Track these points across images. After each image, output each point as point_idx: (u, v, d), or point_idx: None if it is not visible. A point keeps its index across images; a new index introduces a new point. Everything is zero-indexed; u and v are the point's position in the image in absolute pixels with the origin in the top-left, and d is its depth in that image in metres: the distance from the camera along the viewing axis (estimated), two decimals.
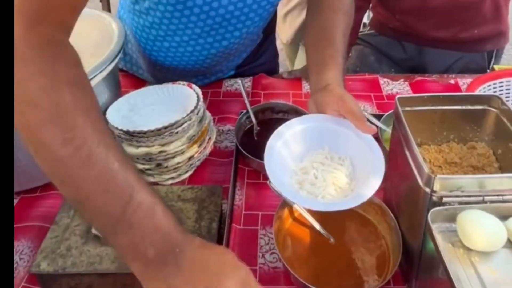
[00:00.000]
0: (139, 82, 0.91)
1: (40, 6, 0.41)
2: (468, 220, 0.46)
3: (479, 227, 0.45)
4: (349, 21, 0.73)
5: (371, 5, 1.12)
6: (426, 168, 0.48)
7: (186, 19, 0.74)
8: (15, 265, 0.58)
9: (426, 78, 0.96)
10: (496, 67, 0.93)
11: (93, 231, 0.55)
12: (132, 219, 0.40)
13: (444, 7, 0.97)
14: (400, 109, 0.57)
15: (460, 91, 0.92)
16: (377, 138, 0.78)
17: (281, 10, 1.42)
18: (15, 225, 0.62)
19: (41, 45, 0.41)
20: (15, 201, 0.66)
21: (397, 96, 0.58)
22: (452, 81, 0.95)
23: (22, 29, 0.40)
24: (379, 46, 1.12)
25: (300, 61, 1.47)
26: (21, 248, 0.59)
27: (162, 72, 0.85)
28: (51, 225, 0.57)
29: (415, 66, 1.07)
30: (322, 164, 0.58)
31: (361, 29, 1.14)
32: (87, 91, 0.43)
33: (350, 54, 1.12)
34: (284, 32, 1.46)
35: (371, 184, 0.53)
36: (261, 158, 0.68)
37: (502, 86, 0.82)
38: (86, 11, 0.83)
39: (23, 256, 0.59)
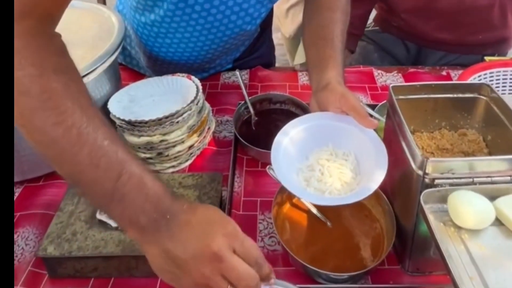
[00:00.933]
0: (138, 76, 0.92)
1: (28, 0, 0.43)
2: (459, 200, 0.49)
3: (469, 206, 0.48)
4: (346, 19, 0.74)
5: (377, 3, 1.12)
6: (419, 152, 0.50)
7: (188, 16, 0.75)
8: (21, 251, 0.59)
9: (419, 70, 0.98)
10: (487, 58, 0.95)
11: (98, 216, 0.57)
12: (124, 191, 0.42)
13: (450, 10, 0.96)
14: (394, 98, 0.59)
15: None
16: None
17: (283, 5, 1.42)
18: (20, 213, 0.64)
19: (28, 36, 0.43)
20: (19, 190, 0.68)
21: (391, 85, 0.60)
22: (444, 73, 0.97)
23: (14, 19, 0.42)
24: (382, 44, 1.12)
25: (301, 56, 1.48)
26: (26, 234, 0.61)
27: (163, 67, 0.87)
28: (56, 212, 0.59)
29: (415, 63, 1.08)
30: (327, 160, 0.60)
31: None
32: (75, 78, 0.45)
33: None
34: (286, 27, 1.47)
35: (375, 178, 0.55)
36: (259, 146, 0.70)
37: (492, 77, 0.84)
38: (85, 5, 0.85)
39: (29, 242, 0.60)
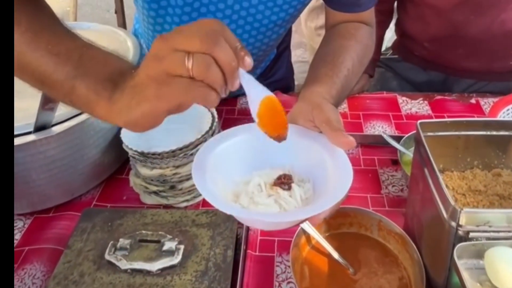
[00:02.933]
0: None
1: None
2: (497, 257, 0.44)
3: (509, 266, 0.43)
4: (362, 49, 0.66)
5: (394, 27, 1.08)
6: (451, 200, 0.46)
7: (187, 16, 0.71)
8: None
9: (446, 97, 0.93)
10: None
11: (106, 257, 0.54)
12: (88, 66, 0.42)
13: (477, 37, 0.90)
14: (422, 135, 0.55)
15: (482, 111, 0.89)
16: (396, 161, 0.76)
17: (311, 23, 1.39)
18: (28, 247, 0.62)
19: None
20: (29, 221, 0.66)
21: (418, 121, 0.56)
22: (473, 101, 0.92)
23: None
24: (402, 72, 1.07)
25: None
26: (33, 271, 0.59)
27: None
28: (64, 249, 0.56)
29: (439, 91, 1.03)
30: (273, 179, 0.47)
31: (383, 49, 1.10)
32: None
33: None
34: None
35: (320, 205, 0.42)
36: None
37: None
38: (101, 27, 0.84)
39: (36, 281, 0.58)
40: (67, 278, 0.53)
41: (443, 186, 0.48)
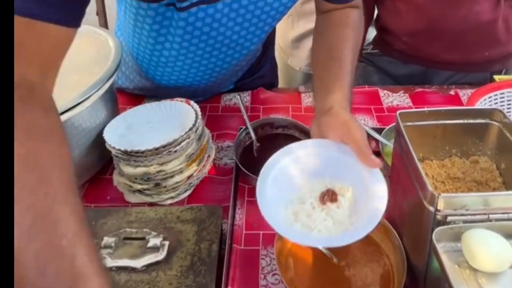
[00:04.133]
0: (136, 99, 0.90)
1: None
2: (474, 239, 0.45)
3: (485, 247, 0.44)
4: (358, 36, 0.71)
5: (374, 23, 1.09)
6: (429, 186, 0.47)
7: (187, 43, 0.73)
8: None
9: (426, 90, 0.95)
10: (496, 77, 0.92)
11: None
12: None
13: (453, 29, 0.93)
14: (401, 124, 0.56)
15: (461, 102, 0.91)
16: (378, 152, 0.77)
17: (288, 33, 1.26)
18: None
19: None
20: None
21: (398, 112, 0.57)
22: (452, 92, 0.94)
23: None
24: (383, 66, 1.09)
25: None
26: None
27: (165, 92, 0.84)
28: None
29: (419, 84, 1.05)
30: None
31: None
32: (50, 142, 0.38)
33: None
34: (297, 59, 1.27)
35: (370, 221, 0.49)
36: None
37: (503, 98, 0.81)
38: (83, 28, 0.83)
39: None
40: None
41: (422, 173, 0.49)
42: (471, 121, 0.60)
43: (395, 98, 0.92)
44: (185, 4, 0.65)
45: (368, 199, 0.51)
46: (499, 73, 1.00)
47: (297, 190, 0.55)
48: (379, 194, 0.51)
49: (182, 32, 0.70)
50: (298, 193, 0.54)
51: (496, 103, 0.80)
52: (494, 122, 0.59)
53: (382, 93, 0.94)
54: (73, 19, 0.48)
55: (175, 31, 0.70)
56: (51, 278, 0.32)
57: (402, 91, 0.94)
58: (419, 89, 0.95)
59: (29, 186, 0.34)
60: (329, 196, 0.53)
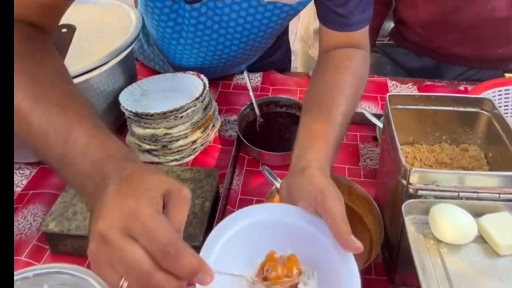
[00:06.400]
0: (155, 73, 0.96)
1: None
2: (440, 213, 0.48)
3: (449, 220, 0.47)
4: (358, 82, 0.64)
5: (393, 16, 1.10)
6: (403, 160, 0.50)
7: (195, 34, 0.77)
8: (28, 225, 0.64)
9: (435, 84, 0.96)
10: (507, 75, 0.92)
11: None
12: (71, 156, 0.40)
13: (467, 23, 0.93)
14: (389, 107, 0.59)
15: None
16: (375, 138, 0.80)
17: (310, 25, 1.29)
18: (32, 191, 0.69)
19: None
20: (35, 170, 0.73)
21: (388, 94, 0.60)
22: (461, 88, 0.95)
23: None
24: (396, 57, 1.10)
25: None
26: (35, 211, 0.66)
27: (181, 70, 0.90)
28: (62, 192, 0.63)
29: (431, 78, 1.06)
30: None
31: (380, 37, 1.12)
32: (45, 54, 0.50)
33: None
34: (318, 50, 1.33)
35: None
36: (261, 148, 0.72)
37: (508, 94, 0.81)
38: (107, 1, 0.90)
39: (37, 218, 0.65)
40: (62, 215, 0.59)
41: (399, 149, 0.52)
42: (461, 109, 0.62)
43: (402, 89, 0.94)
44: None
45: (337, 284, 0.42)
46: None
47: (250, 265, 0.44)
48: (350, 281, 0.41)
49: (189, 23, 0.74)
50: (251, 269, 0.44)
51: (500, 98, 0.81)
52: (484, 112, 0.61)
53: (391, 83, 0.96)
54: None
55: (183, 21, 0.75)
56: (51, 136, 0.42)
57: (411, 83, 0.96)
58: (428, 83, 0.96)
59: (29, 70, 0.46)
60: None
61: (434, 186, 0.50)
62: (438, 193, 0.50)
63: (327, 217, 0.44)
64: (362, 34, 0.70)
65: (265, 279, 0.42)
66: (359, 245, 0.42)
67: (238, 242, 0.44)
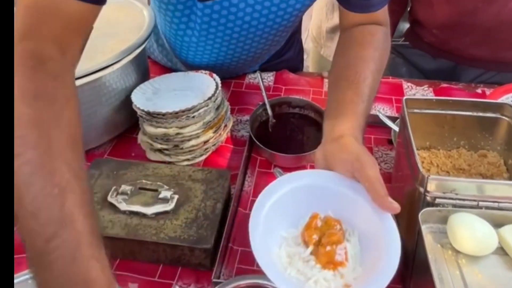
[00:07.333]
0: (168, 71, 0.95)
1: (31, 20, 0.44)
2: (459, 222, 0.47)
3: (469, 231, 0.46)
4: (381, 57, 0.65)
5: (408, 16, 1.08)
6: (420, 167, 0.49)
7: (207, 31, 0.76)
8: None
9: (452, 86, 0.94)
10: None
11: (108, 199, 0.61)
12: (51, 258, 0.36)
13: (486, 25, 0.90)
14: (406, 110, 0.58)
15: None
16: (390, 141, 0.79)
17: (323, 24, 1.28)
18: None
19: (23, 58, 0.42)
20: None
21: (404, 97, 0.59)
22: (479, 91, 0.93)
23: (14, 42, 0.43)
24: (411, 59, 1.07)
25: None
26: None
27: (193, 68, 0.89)
28: None
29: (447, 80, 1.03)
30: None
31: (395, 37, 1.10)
32: (57, 105, 0.42)
33: None
34: (330, 50, 1.28)
35: (377, 280, 0.41)
36: (273, 149, 0.71)
37: None
38: (121, 0, 0.89)
39: None
40: None
41: (416, 155, 0.51)
42: (481, 114, 0.60)
43: (418, 91, 0.93)
44: None
45: (376, 250, 0.45)
46: None
47: (293, 228, 0.48)
48: (390, 248, 0.44)
49: (202, 21, 0.74)
50: (295, 231, 0.47)
51: None
52: (504, 117, 0.60)
53: (406, 85, 0.94)
54: None
55: (195, 18, 0.74)
56: (43, 221, 0.37)
57: (426, 85, 0.94)
58: (444, 85, 0.94)
59: (31, 142, 0.39)
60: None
61: (452, 194, 0.49)
62: (457, 201, 0.49)
63: (365, 181, 0.47)
64: (382, 12, 0.70)
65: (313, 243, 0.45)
66: (396, 205, 0.45)
67: (284, 204, 0.47)
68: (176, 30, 0.80)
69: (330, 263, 0.44)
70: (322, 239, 0.45)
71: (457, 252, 0.47)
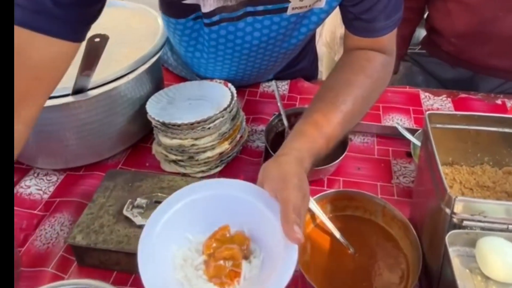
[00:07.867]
0: (182, 80, 0.94)
1: None
2: (489, 247, 0.45)
3: (500, 256, 0.44)
4: (371, 84, 0.62)
5: (425, 24, 1.06)
6: (447, 187, 0.47)
7: (215, 54, 0.75)
8: (56, 235, 0.63)
9: (471, 96, 0.92)
10: None
11: (124, 212, 0.60)
12: None
13: (506, 34, 0.88)
14: (429, 125, 0.56)
15: (507, 113, 0.87)
16: (409, 153, 0.77)
17: (338, 30, 1.28)
18: (59, 199, 0.68)
19: None
20: (62, 177, 0.72)
21: (427, 112, 0.57)
22: (499, 102, 0.90)
23: None
24: (428, 68, 1.05)
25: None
26: (62, 220, 0.65)
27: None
28: (89, 203, 0.62)
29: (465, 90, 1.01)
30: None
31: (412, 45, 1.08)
32: None
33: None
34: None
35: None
36: None
37: None
38: (134, 6, 0.89)
39: (64, 228, 0.64)
40: (88, 227, 0.58)
41: (442, 173, 0.49)
42: (506, 130, 0.58)
43: (436, 102, 0.91)
44: (210, 20, 0.67)
45: (270, 277, 0.43)
46: None
47: (202, 235, 0.48)
48: (279, 278, 0.42)
49: (209, 45, 0.73)
50: (201, 237, 0.47)
51: None
52: None
53: (423, 95, 0.92)
54: (76, 34, 0.47)
55: (203, 41, 0.74)
56: None
57: (444, 95, 0.92)
58: (463, 95, 0.92)
59: None
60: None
61: (481, 217, 0.47)
62: (486, 224, 0.47)
63: (281, 203, 0.45)
64: (387, 39, 0.67)
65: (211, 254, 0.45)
66: (299, 236, 0.43)
67: (201, 208, 0.47)
68: (186, 47, 0.79)
69: (218, 278, 0.43)
70: (216, 253, 0.45)
71: (487, 278, 0.45)
